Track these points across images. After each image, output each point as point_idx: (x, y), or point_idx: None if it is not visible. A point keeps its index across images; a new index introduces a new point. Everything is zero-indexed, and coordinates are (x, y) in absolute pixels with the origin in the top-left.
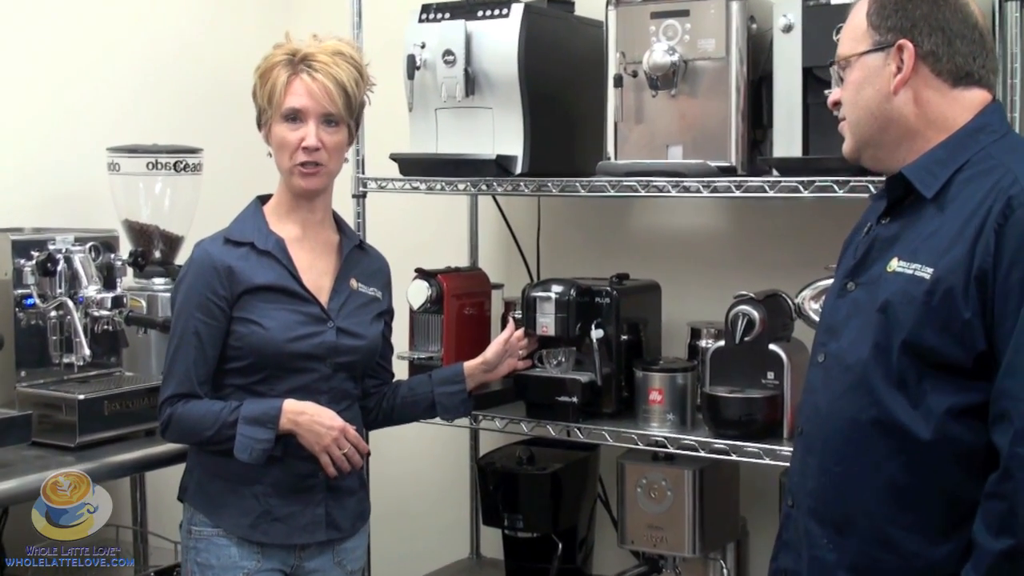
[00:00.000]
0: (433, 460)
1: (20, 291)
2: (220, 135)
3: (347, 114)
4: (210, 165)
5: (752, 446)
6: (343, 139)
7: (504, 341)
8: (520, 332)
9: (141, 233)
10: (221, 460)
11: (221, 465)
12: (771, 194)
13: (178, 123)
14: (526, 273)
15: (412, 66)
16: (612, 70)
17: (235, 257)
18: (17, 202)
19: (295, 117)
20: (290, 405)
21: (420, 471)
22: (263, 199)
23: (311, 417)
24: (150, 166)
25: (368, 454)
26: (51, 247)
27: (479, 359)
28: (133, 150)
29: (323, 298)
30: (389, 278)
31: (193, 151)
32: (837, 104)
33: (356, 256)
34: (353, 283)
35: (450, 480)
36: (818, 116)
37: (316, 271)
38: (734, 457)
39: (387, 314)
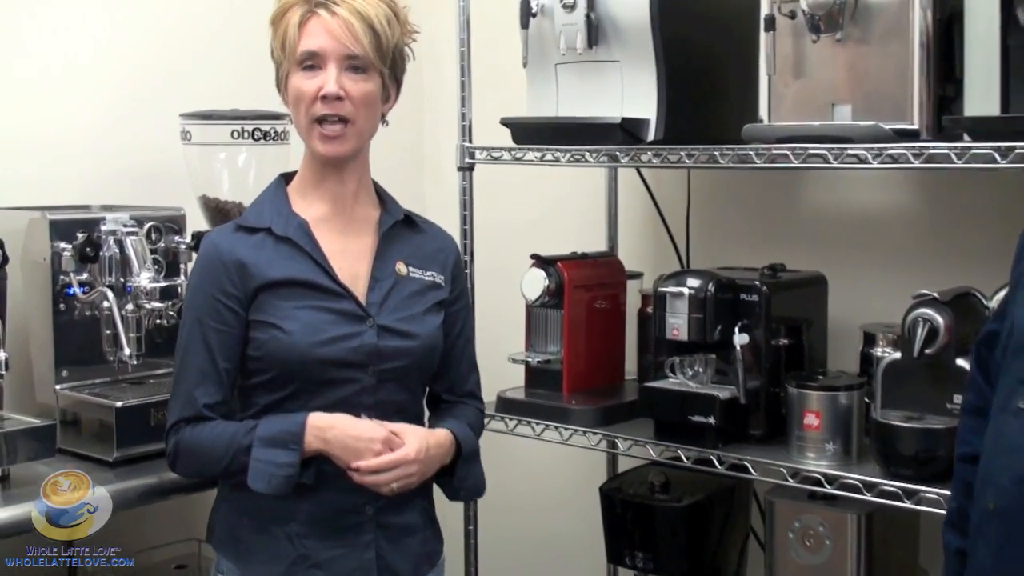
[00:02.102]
0: (557, 481)
1: (65, 279)
2: None
3: (377, 58)
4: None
5: (932, 491)
6: (374, 89)
7: None
8: None
9: (219, 211)
10: (246, 493)
11: (247, 499)
12: (960, 164)
13: (264, 87)
14: (676, 260)
15: (527, 12)
16: (764, 10)
17: (248, 247)
18: (87, 176)
19: (312, 63)
20: (316, 419)
21: (540, 495)
22: (288, 177)
23: (343, 431)
24: (235, 134)
25: None
26: (103, 228)
27: None
28: (208, 116)
29: (359, 290)
30: (458, 259)
31: (278, 116)
32: None
33: (403, 234)
34: (401, 267)
35: (580, 506)
36: (1021, 64)
37: (350, 256)
38: (908, 504)
39: (456, 305)
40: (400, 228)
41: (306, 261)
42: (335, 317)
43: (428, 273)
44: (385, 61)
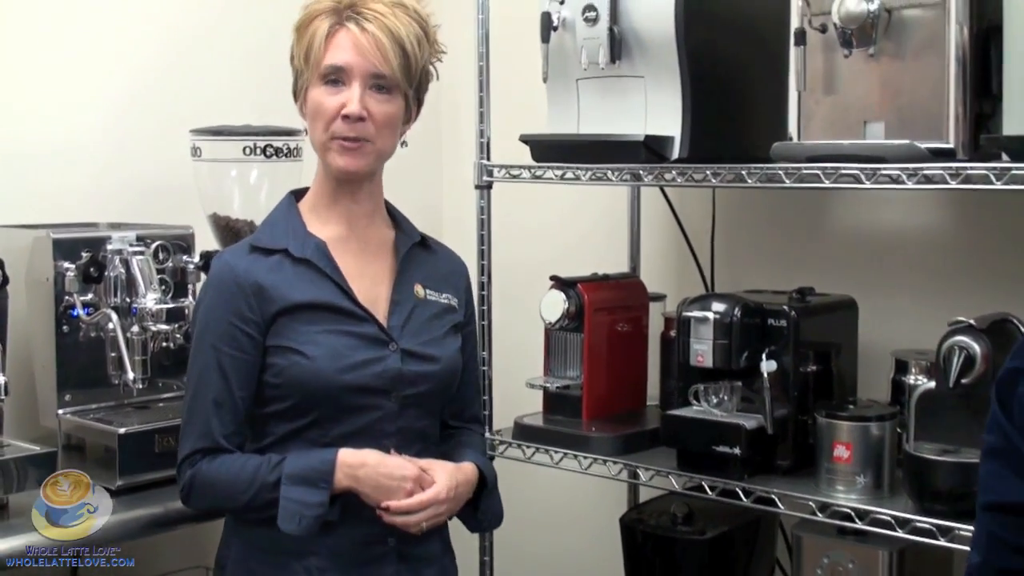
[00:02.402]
0: (576, 511)
1: (68, 300)
2: None
3: (404, 79)
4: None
5: (967, 529)
6: (396, 111)
7: None
8: None
9: (229, 230)
10: (263, 528)
11: (264, 534)
12: (999, 185)
13: (276, 103)
14: (700, 282)
15: (547, 26)
16: (794, 24)
17: (265, 269)
18: (95, 194)
19: (336, 78)
20: (346, 456)
21: (558, 525)
22: (298, 194)
23: (374, 468)
24: (247, 151)
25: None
26: (109, 247)
27: None
28: (219, 132)
29: (380, 313)
30: (468, 282)
31: (291, 132)
32: None
33: (419, 256)
34: (419, 289)
35: (600, 537)
36: None
37: (368, 279)
38: (942, 541)
39: (467, 328)
40: (416, 250)
41: (326, 283)
42: (358, 341)
43: (444, 296)
44: (411, 82)
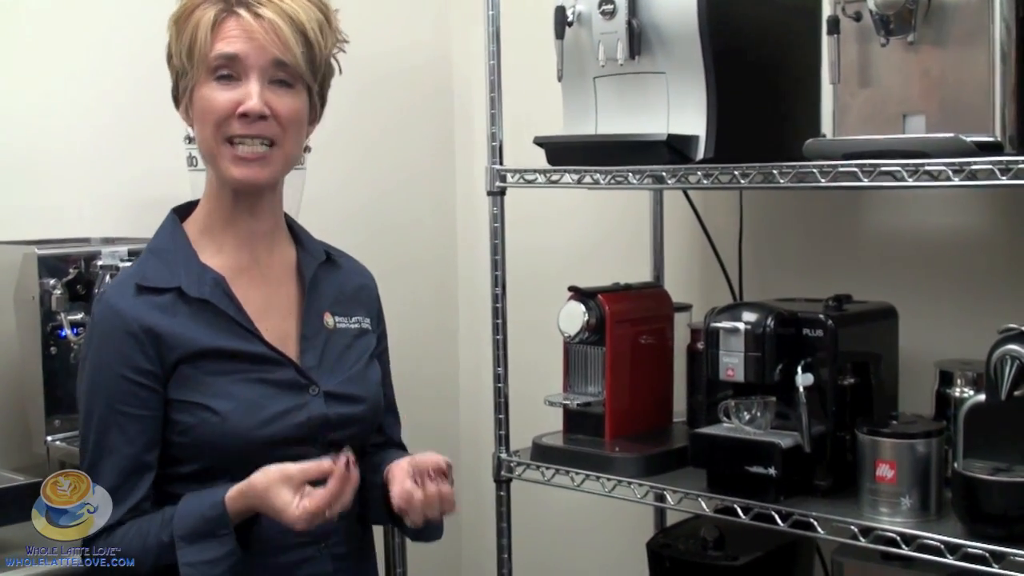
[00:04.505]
0: (600, 536)
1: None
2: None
3: (308, 70)
4: (320, 160)
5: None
6: (302, 108)
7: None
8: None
9: None
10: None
11: None
12: None
13: None
14: (728, 291)
15: (562, 21)
16: (826, 11)
17: (157, 312)
18: (88, 207)
19: (229, 72)
20: (233, 492)
21: (580, 551)
22: (181, 212)
23: (262, 497)
24: None
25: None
26: (99, 263)
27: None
28: None
29: (291, 351)
30: (378, 295)
31: None
32: None
33: (325, 277)
34: (328, 319)
35: (625, 563)
36: None
37: (276, 314)
38: (996, 568)
39: (379, 347)
40: (321, 269)
41: (230, 325)
42: (274, 390)
43: (354, 319)
44: (316, 75)
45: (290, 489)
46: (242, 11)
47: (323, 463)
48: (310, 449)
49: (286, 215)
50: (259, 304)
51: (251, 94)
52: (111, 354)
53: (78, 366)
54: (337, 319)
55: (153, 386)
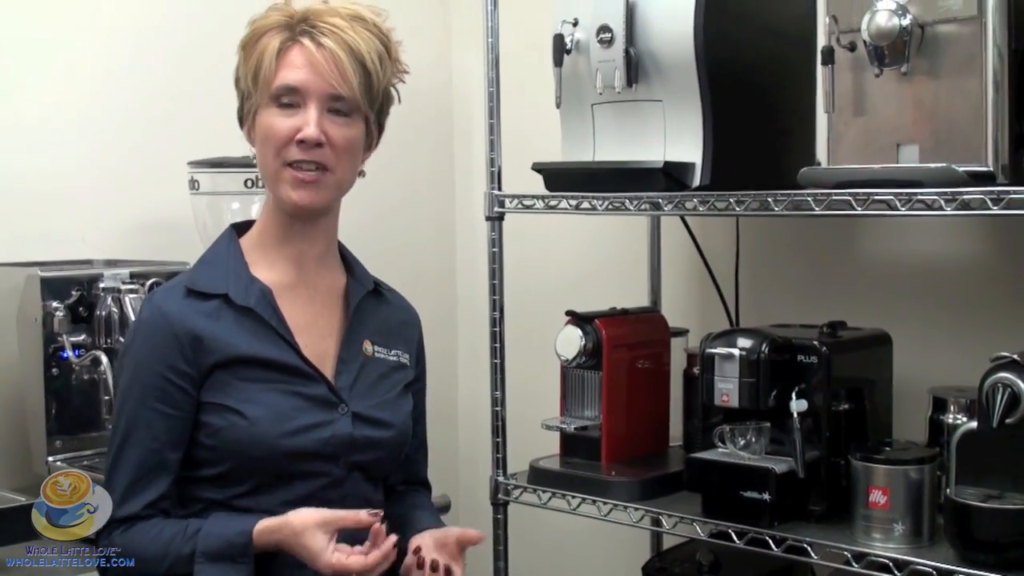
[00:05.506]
0: (595, 560)
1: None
2: None
3: (365, 100)
4: None
5: None
6: (357, 137)
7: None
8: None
9: None
10: None
11: None
12: None
13: None
14: (724, 316)
15: (560, 49)
16: (821, 41)
17: (202, 316)
18: (91, 230)
19: (290, 100)
20: (264, 526)
21: (579, 574)
22: (240, 228)
23: (294, 538)
24: (248, 184)
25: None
26: (101, 285)
27: None
28: (218, 164)
29: (327, 370)
30: (421, 334)
31: None
32: None
33: (370, 306)
34: (367, 346)
35: None
36: None
37: (317, 332)
38: None
39: (417, 385)
40: (368, 299)
41: (270, 336)
42: (304, 403)
43: (393, 352)
44: (373, 105)
45: (326, 534)
46: (306, 40)
47: (360, 514)
48: (332, 468)
49: (341, 244)
50: (302, 321)
51: (309, 122)
52: (152, 352)
53: (118, 362)
54: (376, 348)
55: (187, 388)
